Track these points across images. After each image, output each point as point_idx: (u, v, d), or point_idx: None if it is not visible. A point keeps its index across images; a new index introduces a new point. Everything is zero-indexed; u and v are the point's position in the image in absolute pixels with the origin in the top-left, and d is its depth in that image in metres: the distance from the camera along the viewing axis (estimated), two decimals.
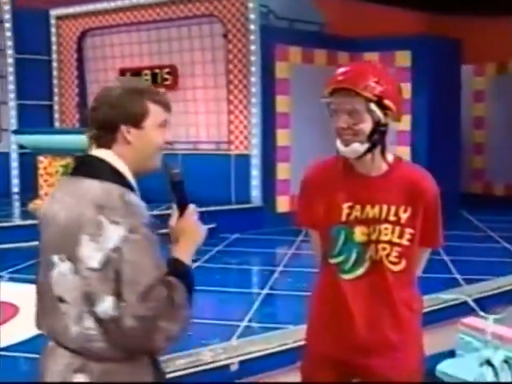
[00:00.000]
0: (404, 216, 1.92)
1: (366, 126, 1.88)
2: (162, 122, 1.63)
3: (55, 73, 8.85)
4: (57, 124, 8.81)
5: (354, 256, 1.95)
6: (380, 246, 1.93)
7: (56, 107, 8.86)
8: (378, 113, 1.87)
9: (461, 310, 4.11)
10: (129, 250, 1.42)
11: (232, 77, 7.45)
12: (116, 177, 1.55)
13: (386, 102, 1.88)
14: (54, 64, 8.82)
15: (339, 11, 8.52)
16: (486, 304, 4.24)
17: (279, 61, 7.51)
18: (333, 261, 1.98)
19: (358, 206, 1.93)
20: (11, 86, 8.58)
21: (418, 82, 7.96)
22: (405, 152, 7.93)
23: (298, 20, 8.01)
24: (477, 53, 9.36)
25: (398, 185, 1.95)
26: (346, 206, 1.94)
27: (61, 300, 1.51)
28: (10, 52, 8.56)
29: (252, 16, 7.25)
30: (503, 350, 2.65)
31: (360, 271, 1.95)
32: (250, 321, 3.98)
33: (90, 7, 8.41)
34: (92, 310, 1.45)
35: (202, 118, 7.85)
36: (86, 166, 1.59)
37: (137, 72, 8.06)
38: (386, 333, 1.95)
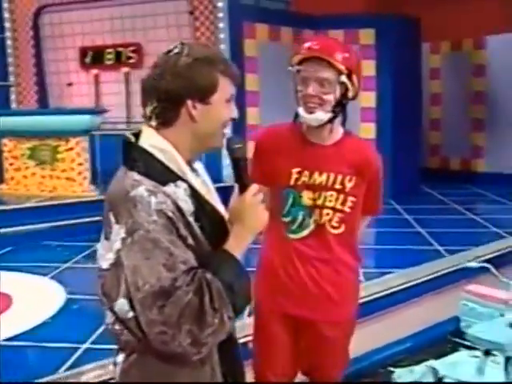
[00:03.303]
0: (349, 185, 2.08)
1: (333, 96, 1.99)
2: (230, 97, 1.43)
3: (10, 51, 8.46)
4: (14, 105, 8.46)
5: (300, 218, 2.09)
6: (324, 211, 2.07)
7: (12, 87, 8.49)
8: (348, 85, 1.99)
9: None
10: (127, 253, 1.29)
11: None
12: (148, 166, 1.35)
13: (354, 76, 2.01)
14: (9, 42, 8.44)
15: None
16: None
17: (247, 38, 7.47)
18: (282, 219, 2.11)
19: (306, 172, 2.05)
20: None
21: (382, 60, 8.10)
22: (370, 128, 8.09)
23: None
24: (432, 31, 9.58)
25: (346, 156, 2.09)
26: (295, 171, 2.05)
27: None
28: None
29: None
30: None
31: (305, 232, 2.09)
32: None
33: None
34: (112, 308, 1.37)
35: None
36: (124, 153, 1.42)
37: (99, 50, 7.86)
38: (327, 289, 2.11)
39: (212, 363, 1.42)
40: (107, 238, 1.34)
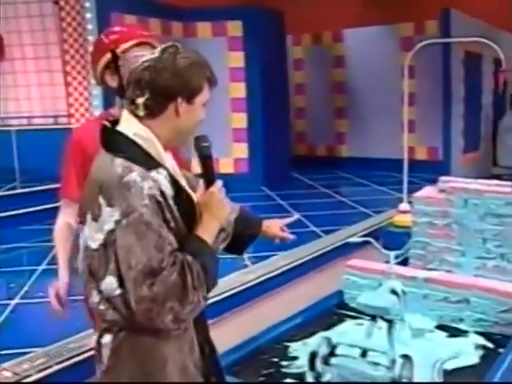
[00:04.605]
0: None
1: None
2: (206, 101, 1.59)
3: None
4: None
5: None
6: None
7: None
8: None
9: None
10: (121, 234, 1.39)
11: (67, 46, 7.13)
12: (135, 153, 1.47)
13: None
14: None
15: None
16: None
17: None
18: None
19: None
20: None
21: (250, 52, 8.36)
22: (242, 119, 8.34)
23: None
24: (294, 24, 10.02)
25: None
26: None
27: (77, 269, 1.55)
28: None
29: None
30: (399, 282, 3.10)
31: None
32: None
33: None
34: (98, 287, 1.46)
35: (34, 90, 7.40)
36: (107, 139, 1.52)
37: None
38: None
39: (191, 334, 1.57)
40: (95, 220, 1.42)
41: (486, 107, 9.94)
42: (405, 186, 5.56)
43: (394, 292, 2.95)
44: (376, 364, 2.80)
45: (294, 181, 9.05)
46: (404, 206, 5.27)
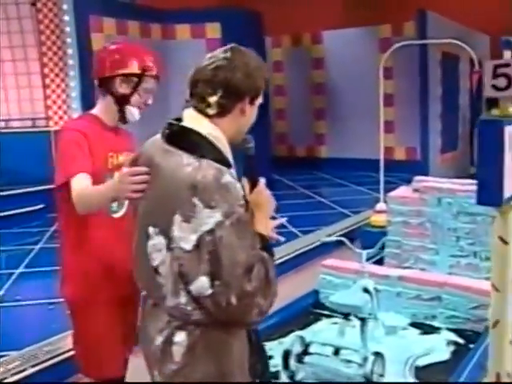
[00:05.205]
0: None
1: None
2: (259, 103, 1.62)
3: None
4: None
5: None
6: None
7: None
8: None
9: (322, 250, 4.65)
10: (225, 234, 1.40)
11: (45, 49, 7.10)
12: (213, 153, 1.48)
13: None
14: None
15: None
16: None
17: (94, 32, 7.32)
18: None
19: (115, 155, 2.17)
20: None
21: None
22: None
23: None
24: (273, 25, 10.07)
25: (125, 135, 2.28)
26: (110, 155, 2.16)
27: (157, 272, 1.52)
28: None
29: None
30: (371, 281, 3.16)
31: (122, 211, 2.18)
32: None
33: None
34: (187, 288, 1.46)
35: (12, 93, 7.35)
36: (180, 138, 1.52)
37: None
38: None
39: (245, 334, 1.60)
40: (187, 221, 1.42)
41: (463, 107, 10.08)
42: (381, 185, 5.63)
43: (366, 290, 3.00)
44: (348, 361, 2.85)
45: (274, 182, 9.07)
46: (380, 205, 5.33)
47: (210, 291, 1.42)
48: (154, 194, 1.54)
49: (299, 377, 2.87)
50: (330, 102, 10.65)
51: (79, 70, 7.06)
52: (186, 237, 1.42)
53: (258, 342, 1.67)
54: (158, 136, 1.59)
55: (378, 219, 5.22)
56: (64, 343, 3.16)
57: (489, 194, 2.18)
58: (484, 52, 9.53)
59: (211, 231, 1.40)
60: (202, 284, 1.42)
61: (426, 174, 7.74)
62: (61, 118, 7.22)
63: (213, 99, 1.52)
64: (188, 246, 1.42)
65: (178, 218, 1.43)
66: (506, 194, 2.20)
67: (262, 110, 1.65)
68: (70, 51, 7.00)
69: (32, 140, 7.14)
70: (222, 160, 1.49)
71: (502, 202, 2.19)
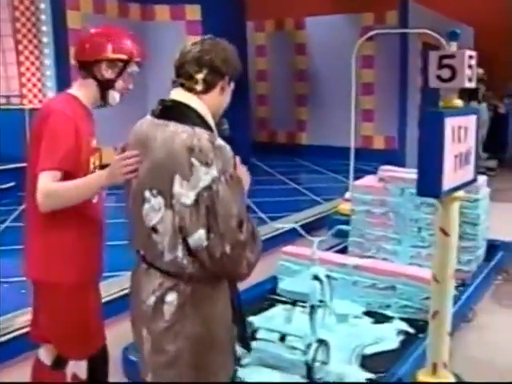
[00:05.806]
0: None
1: None
2: (232, 87, 1.83)
3: None
4: None
5: None
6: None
7: None
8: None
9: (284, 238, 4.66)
10: (221, 189, 1.57)
11: (19, 25, 6.97)
12: (202, 125, 1.68)
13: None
14: None
15: None
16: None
17: (70, 10, 7.21)
18: None
19: (91, 138, 2.17)
20: None
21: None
22: None
23: None
24: (256, 10, 9.98)
25: (92, 117, 2.23)
26: (89, 138, 2.15)
27: (154, 230, 1.66)
28: None
29: None
30: (323, 268, 3.15)
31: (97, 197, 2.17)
32: None
33: None
34: (185, 241, 1.61)
35: None
36: (173, 111, 1.70)
37: None
38: None
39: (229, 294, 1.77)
40: (186, 179, 1.58)
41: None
42: (351, 174, 5.63)
43: (316, 278, 3.00)
44: (293, 348, 2.86)
45: (252, 167, 9.01)
46: (349, 194, 5.33)
47: (205, 243, 1.58)
48: (149, 165, 1.68)
49: (245, 361, 2.88)
50: (311, 88, 10.61)
51: (54, 47, 6.96)
52: (186, 193, 1.59)
53: (239, 308, 1.81)
54: (148, 116, 1.78)
55: (345, 207, 5.23)
56: (15, 321, 3.16)
57: (428, 185, 2.19)
58: (468, 44, 9.51)
59: (209, 187, 1.57)
60: (199, 236, 1.58)
61: (403, 164, 7.77)
62: (35, 96, 7.13)
63: (200, 76, 1.73)
64: (189, 200, 1.58)
65: (178, 177, 1.60)
66: (446, 185, 2.21)
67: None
68: (44, 28, 6.89)
69: (6, 117, 7.06)
70: (207, 129, 1.68)
71: (441, 194, 2.19)
